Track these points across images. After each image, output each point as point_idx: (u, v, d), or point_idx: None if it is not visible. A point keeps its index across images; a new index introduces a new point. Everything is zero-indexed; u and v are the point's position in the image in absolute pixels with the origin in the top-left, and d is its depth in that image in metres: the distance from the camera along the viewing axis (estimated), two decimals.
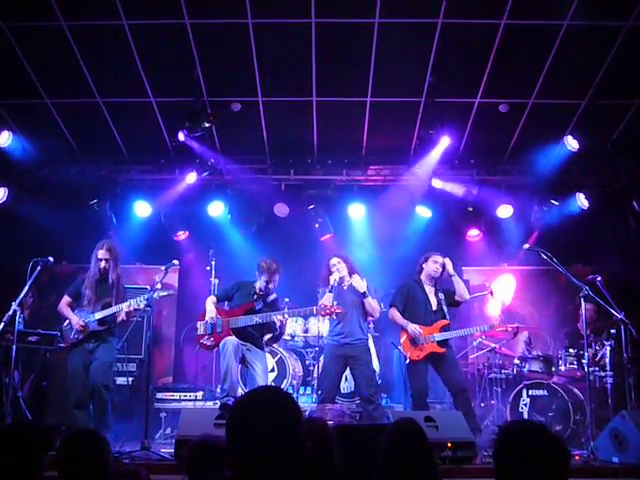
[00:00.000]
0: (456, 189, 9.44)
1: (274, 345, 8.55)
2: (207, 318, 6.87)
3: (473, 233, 9.89)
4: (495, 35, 7.52)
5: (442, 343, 6.92)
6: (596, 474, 5.36)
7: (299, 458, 2.04)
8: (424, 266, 7.24)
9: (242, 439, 2.02)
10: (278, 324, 6.83)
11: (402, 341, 7.03)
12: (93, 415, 6.54)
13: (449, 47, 7.68)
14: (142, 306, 6.66)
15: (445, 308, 7.12)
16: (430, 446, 3.33)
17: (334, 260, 7.11)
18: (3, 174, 9.09)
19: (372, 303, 7.02)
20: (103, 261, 6.83)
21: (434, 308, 7.12)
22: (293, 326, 8.95)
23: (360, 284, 6.92)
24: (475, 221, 9.70)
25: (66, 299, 6.95)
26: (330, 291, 6.85)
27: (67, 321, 6.85)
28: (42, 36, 7.53)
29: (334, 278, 6.91)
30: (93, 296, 6.80)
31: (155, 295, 6.60)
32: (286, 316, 6.87)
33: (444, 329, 7.01)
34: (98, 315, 6.69)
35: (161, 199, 9.56)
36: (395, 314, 7.17)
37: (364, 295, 6.94)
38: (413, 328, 6.94)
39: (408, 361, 6.97)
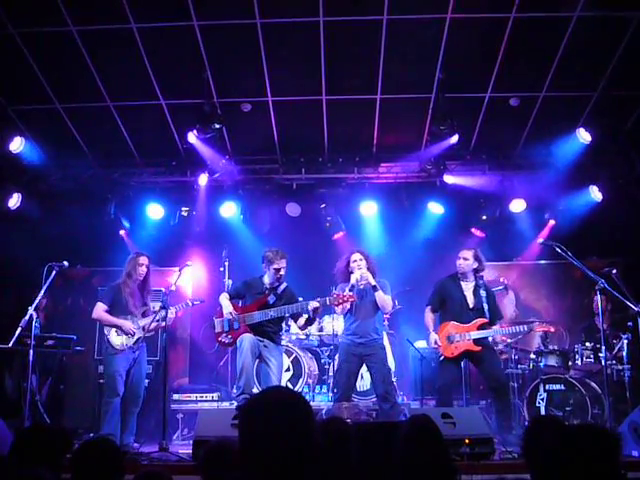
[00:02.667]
0: (469, 182, 9.39)
1: (289, 345, 8.57)
2: (225, 314, 6.84)
3: (477, 232, 9.80)
4: (504, 28, 7.47)
5: (478, 342, 6.76)
6: None
7: (312, 456, 2.03)
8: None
9: (253, 439, 2.01)
10: (311, 308, 6.60)
11: (439, 338, 6.87)
12: (125, 419, 6.55)
13: (458, 42, 7.65)
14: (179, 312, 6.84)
15: (486, 306, 6.88)
16: (445, 442, 3.32)
17: (356, 256, 6.92)
18: (16, 180, 9.13)
19: (383, 297, 6.83)
20: (144, 266, 6.85)
21: (471, 306, 6.93)
22: None
23: (370, 277, 6.74)
24: (488, 216, 9.64)
25: (103, 307, 6.72)
26: (350, 290, 6.74)
27: (111, 330, 6.65)
28: (52, 41, 7.57)
29: (356, 277, 6.76)
30: (137, 302, 6.82)
31: (190, 302, 7.08)
32: (318, 302, 6.62)
33: (482, 327, 6.82)
34: (143, 322, 6.74)
35: (173, 201, 9.64)
36: (426, 316, 7.11)
37: (374, 288, 6.79)
38: (432, 338, 6.91)
39: (442, 358, 6.88)
